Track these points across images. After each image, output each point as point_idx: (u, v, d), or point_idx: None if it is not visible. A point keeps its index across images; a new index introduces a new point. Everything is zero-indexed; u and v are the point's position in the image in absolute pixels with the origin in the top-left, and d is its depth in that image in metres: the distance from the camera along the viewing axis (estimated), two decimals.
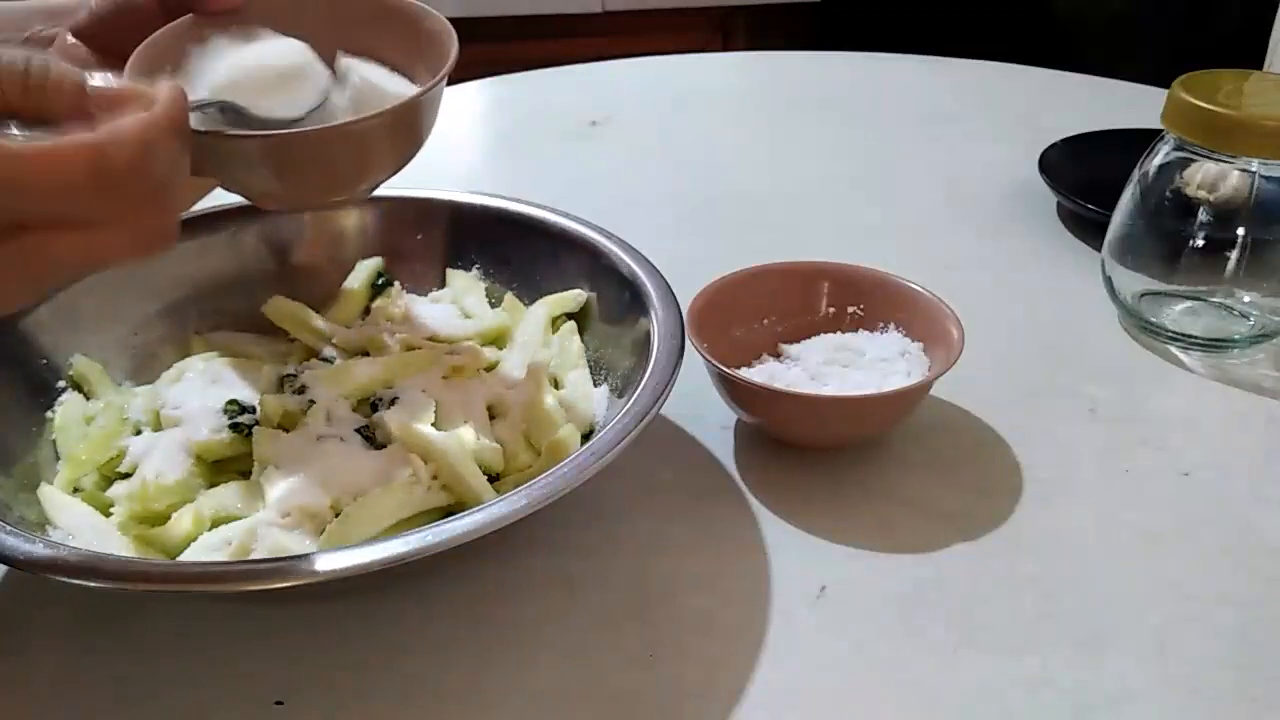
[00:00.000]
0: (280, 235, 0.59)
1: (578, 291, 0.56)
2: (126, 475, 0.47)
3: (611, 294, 0.54)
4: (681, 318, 0.50)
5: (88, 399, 0.51)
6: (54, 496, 0.45)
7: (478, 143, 0.96)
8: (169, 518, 0.44)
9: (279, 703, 0.41)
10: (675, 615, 0.45)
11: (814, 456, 0.53)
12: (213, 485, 0.47)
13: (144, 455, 0.47)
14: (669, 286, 0.52)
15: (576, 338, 0.55)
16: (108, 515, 0.45)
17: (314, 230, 0.59)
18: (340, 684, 0.42)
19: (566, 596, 0.45)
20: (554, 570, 0.47)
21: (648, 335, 0.49)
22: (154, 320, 0.55)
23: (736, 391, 0.52)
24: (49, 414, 0.50)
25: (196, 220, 0.57)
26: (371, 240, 0.60)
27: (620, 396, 0.50)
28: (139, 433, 0.49)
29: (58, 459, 0.49)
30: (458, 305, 0.58)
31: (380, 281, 0.58)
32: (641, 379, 0.46)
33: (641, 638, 0.44)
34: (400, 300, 0.57)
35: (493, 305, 0.58)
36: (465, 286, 0.58)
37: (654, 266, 0.53)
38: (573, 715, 0.40)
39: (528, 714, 0.41)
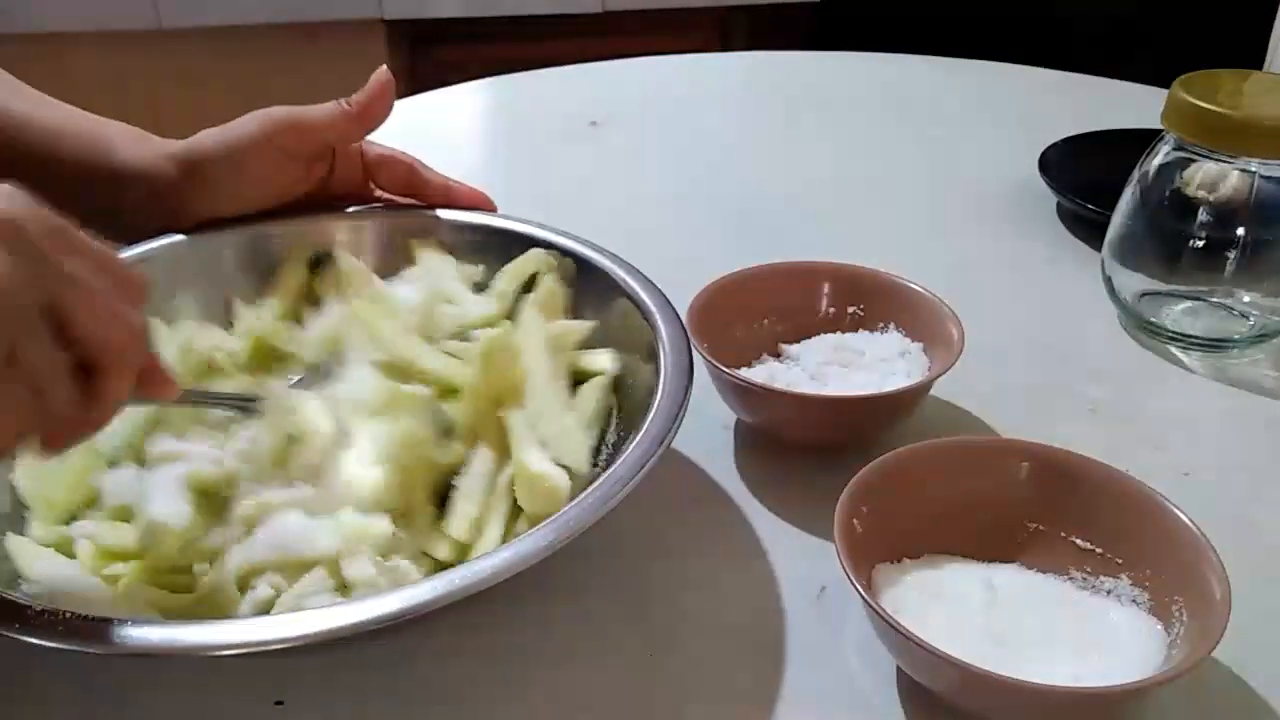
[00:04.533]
0: (267, 254, 0.56)
1: (553, 271, 0.54)
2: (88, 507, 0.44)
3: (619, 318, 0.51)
4: (691, 355, 0.47)
5: None
6: (25, 547, 0.42)
7: (478, 143, 0.96)
8: (180, 563, 0.42)
9: (279, 703, 0.41)
10: (675, 616, 0.45)
11: (814, 456, 0.53)
12: (217, 521, 0.43)
13: (140, 495, 0.43)
14: (680, 319, 0.49)
15: (600, 394, 0.50)
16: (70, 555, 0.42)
17: (301, 250, 0.56)
18: (340, 684, 0.42)
19: (567, 597, 0.45)
20: (554, 571, 0.46)
21: (651, 391, 0.45)
22: None
23: (736, 391, 0.52)
24: None
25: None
26: (365, 257, 0.56)
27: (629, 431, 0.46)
28: (113, 464, 0.46)
29: (19, 503, 0.44)
30: (435, 291, 0.54)
31: (316, 260, 0.56)
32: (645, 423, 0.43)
33: (641, 638, 0.44)
34: (357, 273, 0.55)
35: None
36: (436, 264, 0.55)
37: (666, 299, 0.50)
38: (573, 715, 0.41)
39: (529, 713, 0.41)
